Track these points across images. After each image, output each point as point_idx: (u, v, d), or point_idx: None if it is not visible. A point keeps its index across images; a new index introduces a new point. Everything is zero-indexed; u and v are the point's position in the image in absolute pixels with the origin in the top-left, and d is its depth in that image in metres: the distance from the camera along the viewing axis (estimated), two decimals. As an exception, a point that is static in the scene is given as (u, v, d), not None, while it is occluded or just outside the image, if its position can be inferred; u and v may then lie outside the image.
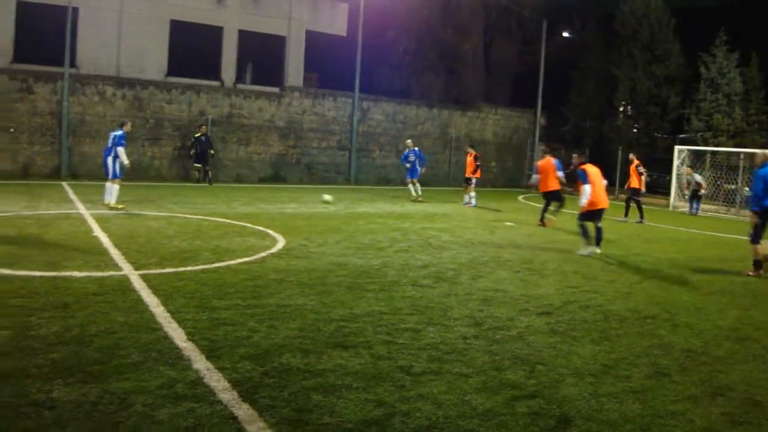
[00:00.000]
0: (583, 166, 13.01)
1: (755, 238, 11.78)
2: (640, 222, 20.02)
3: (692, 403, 5.38)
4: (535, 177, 17.31)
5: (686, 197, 26.26)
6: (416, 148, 23.89)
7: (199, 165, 24.59)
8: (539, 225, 17.26)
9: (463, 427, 4.65)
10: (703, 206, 25.29)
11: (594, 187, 12.77)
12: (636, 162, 21.23)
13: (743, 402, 5.46)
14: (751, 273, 11.68)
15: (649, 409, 5.19)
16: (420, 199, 22.82)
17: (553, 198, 17.69)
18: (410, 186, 23.47)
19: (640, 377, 5.90)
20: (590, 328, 7.47)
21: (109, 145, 15.81)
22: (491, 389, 5.38)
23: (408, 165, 23.56)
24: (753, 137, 30.48)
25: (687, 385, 5.77)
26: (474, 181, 22.27)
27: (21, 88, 22.76)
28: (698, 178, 25.03)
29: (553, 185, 17.53)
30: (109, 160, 15.64)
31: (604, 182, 13.36)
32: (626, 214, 20.58)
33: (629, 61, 33.80)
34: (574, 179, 13.71)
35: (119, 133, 15.81)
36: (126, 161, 15.69)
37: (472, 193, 22.18)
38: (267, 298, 7.83)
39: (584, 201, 12.63)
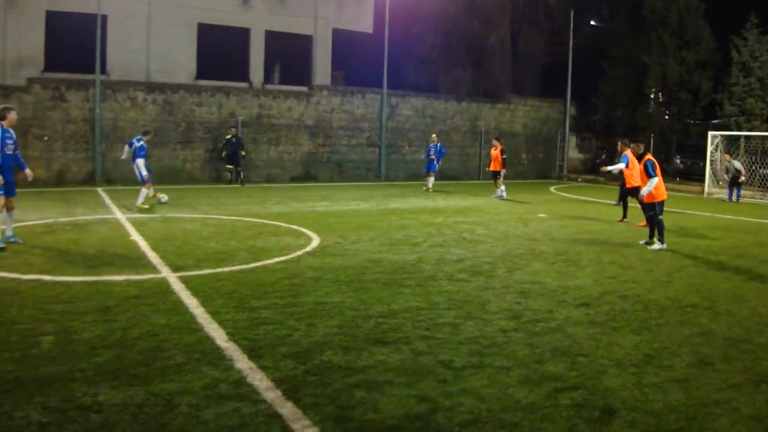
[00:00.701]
0: (649, 157, 12.72)
1: None
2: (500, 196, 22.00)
3: (736, 391, 5.32)
4: (619, 165, 15.56)
5: (722, 184, 25.87)
6: (438, 143, 25.14)
7: (231, 166, 24.77)
8: (622, 221, 16.38)
9: (506, 420, 4.65)
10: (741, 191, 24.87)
11: (661, 178, 12.58)
12: (500, 146, 22.40)
13: (789, 389, 5.40)
14: None
15: (693, 398, 5.15)
16: (430, 190, 24.19)
17: (634, 195, 15.42)
18: (428, 179, 24.95)
19: (683, 366, 5.85)
20: (630, 318, 7.41)
21: (132, 152, 16.56)
22: (533, 382, 5.37)
23: (430, 158, 24.95)
24: (787, 120, 29.95)
25: (731, 374, 5.71)
26: (503, 173, 22.29)
27: (53, 96, 23.09)
28: (737, 164, 24.57)
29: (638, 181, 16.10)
30: (134, 167, 16.52)
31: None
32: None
33: (659, 47, 33.31)
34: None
35: (140, 144, 16.41)
36: (145, 172, 16.31)
37: (503, 186, 22.08)
38: (305, 296, 7.88)
39: (646, 192, 12.41)
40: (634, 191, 14.40)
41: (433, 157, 24.76)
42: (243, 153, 24.99)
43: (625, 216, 16.56)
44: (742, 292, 8.93)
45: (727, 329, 7.10)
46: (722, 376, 5.64)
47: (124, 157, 17.75)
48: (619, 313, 7.62)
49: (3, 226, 10.63)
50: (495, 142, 22.79)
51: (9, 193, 10.56)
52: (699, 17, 32.97)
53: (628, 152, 15.24)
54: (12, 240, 10.79)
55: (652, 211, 12.62)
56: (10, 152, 10.48)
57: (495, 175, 22.48)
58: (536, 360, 5.89)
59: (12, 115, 10.58)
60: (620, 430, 4.56)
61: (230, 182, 24.82)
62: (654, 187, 12.37)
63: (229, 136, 24.74)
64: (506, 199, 21.61)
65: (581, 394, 5.16)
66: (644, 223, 14.15)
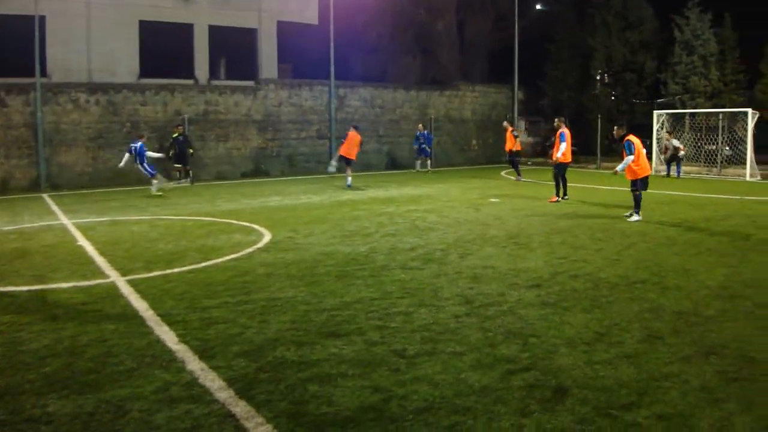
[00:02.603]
0: (629, 137, 13.68)
1: None
2: (518, 179, 23.90)
3: (686, 363, 5.42)
4: (627, 160, 13.67)
5: (663, 161, 26.39)
6: (426, 131, 28.69)
7: (180, 165, 24.35)
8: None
9: (460, 405, 4.66)
10: (685, 168, 25.39)
11: (639, 157, 13.55)
12: (510, 128, 24.93)
13: (736, 359, 5.51)
14: None
15: (643, 372, 5.23)
16: (429, 171, 27.86)
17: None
18: (418, 162, 28.64)
19: (633, 342, 5.94)
20: (580, 297, 7.51)
21: (134, 156, 19.41)
22: (486, 365, 5.40)
23: (421, 146, 28.36)
24: (730, 97, 30.61)
25: (680, 347, 5.81)
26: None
27: (-7, 102, 22.49)
28: (675, 142, 25.19)
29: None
30: (141, 168, 19.55)
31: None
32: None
33: (603, 29, 33.80)
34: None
35: (138, 144, 19.48)
36: (157, 155, 20.58)
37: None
38: (257, 293, 7.81)
39: (621, 168, 13.79)
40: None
41: (424, 145, 28.11)
42: (191, 151, 24.58)
43: (565, 194, 17.29)
44: (690, 266, 9.11)
45: (675, 303, 7.23)
46: (672, 350, 5.73)
47: (122, 165, 19.79)
48: (569, 292, 7.71)
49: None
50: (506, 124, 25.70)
51: None
52: (642, -2, 33.55)
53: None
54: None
55: (635, 186, 13.58)
56: None
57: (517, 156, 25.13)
58: (489, 343, 5.92)
59: None
60: (572, 407, 4.60)
61: (179, 181, 24.40)
62: (633, 163, 13.45)
63: (175, 135, 24.23)
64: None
65: (533, 374, 5.20)
66: (554, 198, 16.84)
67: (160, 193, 19.08)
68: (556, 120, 17.89)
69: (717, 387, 4.95)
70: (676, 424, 4.36)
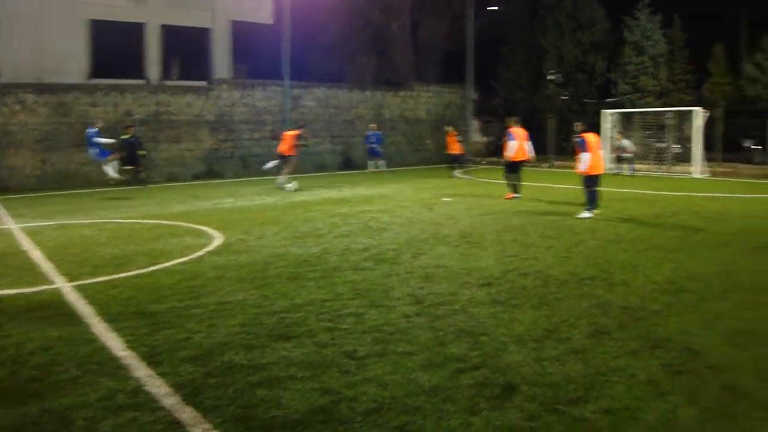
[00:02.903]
0: (583, 134, 13.87)
1: None
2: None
3: (633, 357, 5.51)
4: (585, 158, 14.06)
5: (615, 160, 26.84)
6: (378, 132, 28.73)
7: (130, 167, 23.82)
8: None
9: (410, 405, 4.66)
10: (635, 166, 25.82)
11: (594, 154, 13.75)
12: (453, 132, 26.65)
13: (681, 352, 5.63)
14: None
15: (591, 367, 5.30)
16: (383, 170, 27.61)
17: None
18: (371, 163, 28.37)
19: (581, 338, 6.02)
20: (530, 294, 7.58)
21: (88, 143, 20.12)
22: (436, 365, 5.41)
23: (371, 146, 28.25)
24: (679, 96, 31.23)
25: (626, 341, 5.91)
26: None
27: (-63, 104, 21.88)
28: (626, 142, 25.66)
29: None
30: (91, 151, 20.31)
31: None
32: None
33: (555, 30, 34.22)
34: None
35: (92, 131, 20.21)
36: (107, 141, 20.52)
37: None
38: (206, 297, 7.71)
39: (584, 167, 13.79)
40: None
41: (374, 144, 28.05)
42: (142, 153, 24.06)
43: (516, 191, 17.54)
44: (638, 262, 9.27)
45: (623, 299, 7.35)
46: (618, 344, 5.83)
47: (108, 141, 20.75)
48: (519, 290, 7.78)
49: None
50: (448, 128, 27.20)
51: None
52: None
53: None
54: None
55: (589, 183, 13.84)
56: None
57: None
58: (439, 343, 5.94)
59: None
60: (520, 404, 4.64)
61: (129, 183, 23.79)
62: (587, 161, 13.70)
63: (126, 136, 23.67)
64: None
65: (483, 372, 5.23)
66: (510, 195, 17.13)
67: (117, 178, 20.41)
68: (506, 120, 18.17)
69: (663, 380, 5.04)
70: (623, 417, 4.43)
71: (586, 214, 13.61)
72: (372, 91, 33.47)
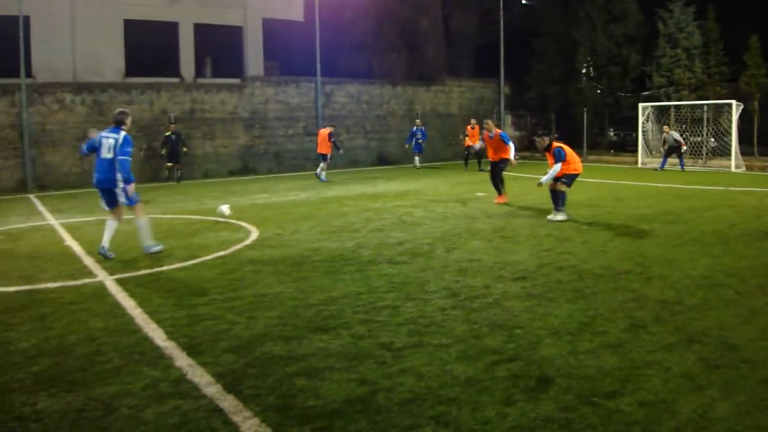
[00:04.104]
0: (557, 144, 13.16)
1: None
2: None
3: (668, 351, 5.50)
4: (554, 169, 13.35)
5: (654, 154, 26.54)
6: (423, 127, 28.71)
7: (171, 164, 24.11)
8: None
9: (445, 396, 4.72)
10: (670, 160, 25.41)
11: (572, 160, 13.12)
12: (477, 126, 26.04)
13: (718, 347, 5.59)
14: None
15: (626, 361, 5.30)
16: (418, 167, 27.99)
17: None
18: (417, 158, 28.68)
19: (617, 331, 6.02)
20: (565, 288, 7.58)
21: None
22: (471, 357, 5.46)
23: (412, 142, 28.44)
24: (714, 89, 30.76)
25: (663, 335, 5.89)
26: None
27: (-22, 103, 22.37)
28: (676, 135, 25.06)
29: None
30: None
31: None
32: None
33: (587, 23, 33.91)
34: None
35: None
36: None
37: None
38: (244, 290, 7.84)
39: (546, 180, 13.00)
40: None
41: (420, 140, 28.20)
42: (184, 149, 24.43)
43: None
44: (673, 257, 9.20)
45: (659, 293, 7.32)
46: (654, 338, 5.81)
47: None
48: (554, 284, 7.79)
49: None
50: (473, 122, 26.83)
51: None
52: (626, -9, 33.66)
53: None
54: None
55: (565, 180, 13.02)
56: None
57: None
58: (474, 335, 5.99)
59: None
60: (555, 396, 4.67)
61: (167, 180, 24.29)
62: (564, 165, 12.91)
63: (168, 133, 24.03)
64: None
65: (518, 365, 5.27)
66: (501, 199, 15.71)
67: None
68: (483, 122, 17.36)
69: (699, 374, 5.02)
70: (659, 410, 4.43)
71: (561, 216, 12.77)
72: (403, 86, 33.51)
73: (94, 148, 10.20)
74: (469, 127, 27.10)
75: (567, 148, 13.18)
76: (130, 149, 10.02)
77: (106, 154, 9.98)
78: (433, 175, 24.68)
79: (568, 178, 13.05)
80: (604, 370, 5.11)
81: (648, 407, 4.48)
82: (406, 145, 29.25)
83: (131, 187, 9.92)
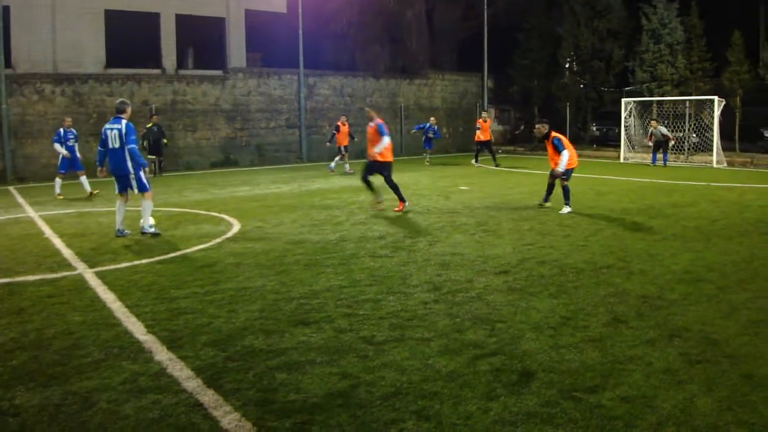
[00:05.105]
0: (555, 134, 13.24)
1: None
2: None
3: (650, 346, 5.51)
4: (565, 155, 13.12)
5: (637, 149, 26.65)
6: (436, 126, 27.33)
7: (153, 156, 23.80)
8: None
9: (427, 390, 4.71)
10: (649, 155, 25.56)
11: (570, 151, 13.12)
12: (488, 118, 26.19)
13: (699, 341, 5.61)
14: None
15: (608, 355, 5.31)
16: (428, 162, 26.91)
17: None
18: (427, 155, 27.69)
19: (598, 326, 6.03)
20: (547, 282, 7.59)
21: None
22: (453, 351, 5.45)
23: (428, 136, 27.06)
24: (697, 84, 30.93)
25: (644, 330, 5.91)
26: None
27: (-45, 93, 22.06)
28: (663, 130, 25.11)
29: None
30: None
31: None
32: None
33: (571, 17, 34.01)
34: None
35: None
36: (62, 152, 17.67)
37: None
38: (225, 283, 7.79)
39: (562, 167, 13.00)
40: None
41: (432, 137, 26.93)
42: (165, 141, 24.11)
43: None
44: (655, 251, 9.24)
45: (640, 288, 7.34)
46: (636, 333, 5.83)
47: (63, 152, 17.96)
48: (536, 278, 7.80)
49: None
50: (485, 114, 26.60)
51: None
52: (610, -14, 33.75)
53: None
54: None
55: (564, 176, 13.12)
56: None
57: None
58: (456, 329, 5.98)
59: None
60: (538, 391, 4.67)
61: (153, 173, 23.82)
62: (566, 159, 12.92)
63: (149, 125, 23.76)
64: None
65: (500, 359, 5.26)
66: (400, 207, 13.45)
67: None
68: (366, 109, 14.84)
69: (680, 369, 5.04)
70: (640, 405, 4.44)
71: (567, 210, 12.93)
72: (386, 79, 33.47)
73: (104, 143, 10.93)
74: (480, 120, 26.15)
75: (565, 140, 13.27)
76: (134, 137, 10.91)
77: (114, 144, 10.78)
78: (416, 168, 24.65)
79: (566, 173, 13.15)
80: (585, 365, 5.11)
81: (629, 402, 4.49)
82: (414, 131, 28.51)
83: (144, 173, 10.97)
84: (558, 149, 13.01)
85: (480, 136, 25.39)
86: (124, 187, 11.03)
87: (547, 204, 13.63)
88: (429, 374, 4.99)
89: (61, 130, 17.85)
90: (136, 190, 10.94)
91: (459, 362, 5.21)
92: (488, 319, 6.25)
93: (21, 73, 23.65)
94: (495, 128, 38.47)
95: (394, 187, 13.59)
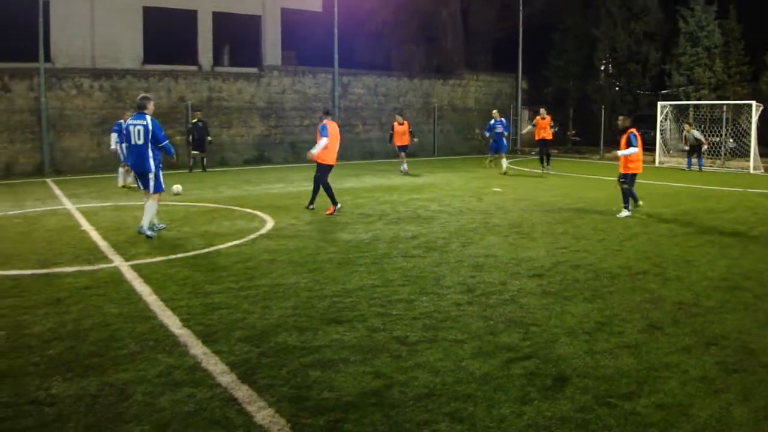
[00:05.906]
0: (632, 130, 13.28)
1: None
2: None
3: (686, 354, 5.45)
4: (634, 149, 13.26)
5: (672, 153, 26.29)
6: (502, 119, 23.63)
7: (197, 152, 23.76)
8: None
9: (460, 392, 4.70)
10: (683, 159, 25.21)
11: (639, 151, 13.15)
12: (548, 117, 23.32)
13: (736, 350, 5.54)
14: None
15: (643, 362, 5.26)
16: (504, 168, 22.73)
17: None
18: (489, 159, 24.31)
19: (634, 332, 5.97)
20: (582, 287, 7.53)
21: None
22: (487, 353, 5.43)
23: (490, 135, 23.53)
24: (734, 89, 30.47)
25: (680, 337, 5.84)
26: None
27: (-3, 86, 22.47)
28: (697, 133, 24.77)
29: None
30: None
31: None
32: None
33: (608, 19, 33.67)
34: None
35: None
36: (113, 145, 18.35)
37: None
38: (259, 279, 7.84)
39: (623, 154, 13.14)
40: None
41: (499, 130, 22.96)
42: (209, 138, 24.01)
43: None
44: (691, 257, 9.13)
45: (676, 294, 7.25)
46: (672, 340, 5.76)
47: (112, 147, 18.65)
48: (571, 282, 7.74)
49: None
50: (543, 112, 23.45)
51: None
52: (647, -12, 33.36)
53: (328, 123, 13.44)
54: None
55: (624, 179, 13.16)
56: None
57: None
58: (489, 332, 5.96)
59: None
60: (572, 396, 4.64)
61: (192, 168, 23.78)
62: (634, 155, 13.03)
63: (194, 120, 23.76)
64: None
65: (534, 363, 5.24)
66: (331, 210, 13.06)
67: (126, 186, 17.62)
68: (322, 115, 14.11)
69: (716, 378, 4.97)
70: (675, 413, 4.39)
71: (625, 213, 12.93)
72: (420, 79, 33.42)
73: (128, 138, 10.72)
74: (539, 117, 23.15)
75: (640, 141, 13.29)
76: (163, 132, 10.76)
77: (137, 140, 10.53)
78: (449, 169, 24.59)
79: (627, 178, 13.19)
80: (621, 371, 5.07)
81: (665, 410, 4.44)
82: (486, 134, 23.96)
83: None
84: (631, 143, 13.04)
85: (541, 134, 22.82)
86: (146, 184, 10.77)
87: (641, 203, 13.73)
88: (462, 376, 4.97)
89: (122, 122, 17.92)
90: (151, 190, 10.65)
91: (492, 365, 5.19)
92: (522, 322, 6.22)
93: (60, 68, 24.02)
94: (528, 130, 38.28)
95: (320, 190, 13.42)
